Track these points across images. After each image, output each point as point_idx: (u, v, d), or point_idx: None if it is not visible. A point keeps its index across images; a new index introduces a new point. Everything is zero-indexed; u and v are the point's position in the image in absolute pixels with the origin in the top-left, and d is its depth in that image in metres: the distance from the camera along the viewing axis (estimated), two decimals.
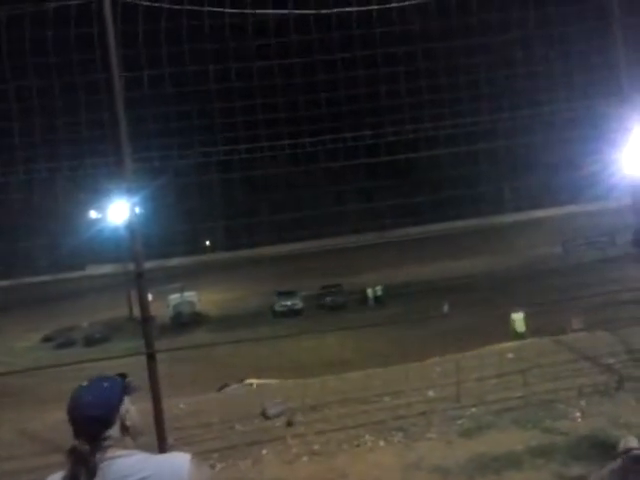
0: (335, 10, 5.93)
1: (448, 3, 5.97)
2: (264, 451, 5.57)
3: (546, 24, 6.05)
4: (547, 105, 6.32)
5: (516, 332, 20.40)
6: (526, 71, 6.30)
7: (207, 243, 45.62)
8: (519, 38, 6.14)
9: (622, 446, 2.29)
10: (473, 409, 5.92)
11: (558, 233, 43.03)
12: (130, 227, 5.39)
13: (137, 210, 5.52)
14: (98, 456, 1.75)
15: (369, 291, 37.01)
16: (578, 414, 5.50)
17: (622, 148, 5.61)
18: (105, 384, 1.91)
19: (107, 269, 44.47)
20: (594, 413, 5.43)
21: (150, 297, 6.72)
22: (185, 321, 38.34)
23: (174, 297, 40.30)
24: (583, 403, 5.71)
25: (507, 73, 6.44)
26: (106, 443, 1.79)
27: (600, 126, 6.27)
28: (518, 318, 20.89)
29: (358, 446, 5.13)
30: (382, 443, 5.08)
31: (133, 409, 1.91)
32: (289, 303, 37.39)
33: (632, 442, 2.23)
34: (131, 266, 5.58)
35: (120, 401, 1.88)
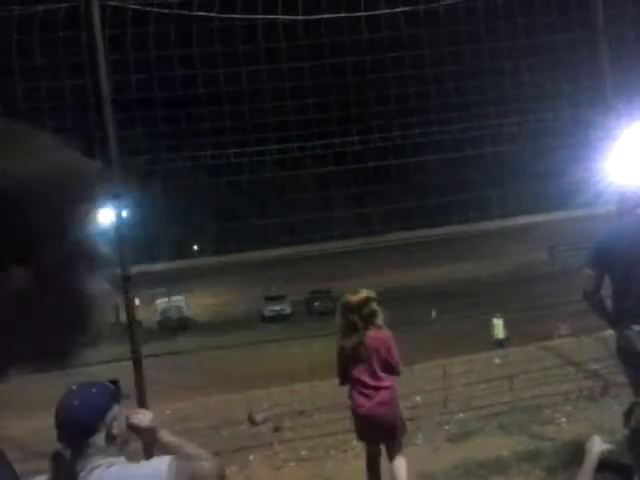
0: (325, 16, 5.96)
1: (437, 12, 6.02)
2: (251, 457, 5.55)
3: (533, 34, 6.11)
4: (534, 113, 6.38)
5: (496, 338, 20.54)
6: (513, 80, 6.36)
7: (195, 247, 45.45)
8: (506, 47, 6.19)
9: (588, 449, 2.31)
10: (460, 415, 5.94)
11: (545, 239, 43.36)
12: (117, 231, 5.36)
13: (124, 213, 5.50)
14: (79, 464, 1.73)
15: None
16: (564, 419, 5.54)
17: (608, 156, 5.67)
18: (94, 390, 1.89)
19: None
20: (579, 418, 5.47)
21: (137, 301, 6.69)
22: (172, 326, 38.16)
23: (161, 301, 40.12)
24: (569, 408, 5.75)
25: (495, 81, 6.50)
26: (89, 451, 1.77)
27: (586, 134, 6.34)
28: (498, 324, 21.02)
29: (346, 451, 5.13)
30: None
31: (121, 417, 1.89)
32: (277, 308, 37.39)
33: (597, 445, 2.25)
34: (118, 270, 5.55)
35: (108, 408, 1.86)
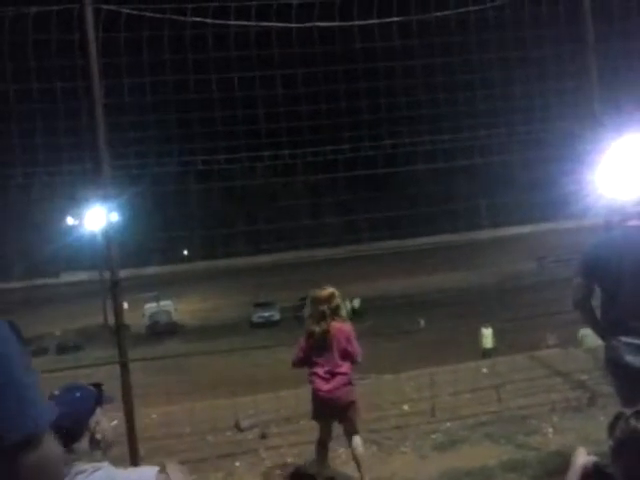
0: (318, 24, 5.99)
1: (429, 23, 6.07)
2: (237, 463, 5.53)
3: (523, 46, 6.18)
4: (523, 125, 6.44)
5: (484, 348, 20.63)
6: (503, 91, 6.42)
7: (185, 252, 45.35)
8: (496, 59, 6.26)
9: (573, 461, 2.32)
10: (447, 423, 5.96)
11: (533, 250, 43.65)
12: (106, 234, 5.35)
13: (114, 218, 5.48)
14: (64, 470, 1.72)
15: (347, 303, 37.01)
16: (550, 429, 5.57)
17: (596, 169, 5.74)
18: (77, 394, 1.87)
19: (82, 276, 43.91)
20: (565, 429, 5.50)
21: (125, 306, 6.66)
22: (161, 330, 37.98)
23: (150, 306, 39.90)
24: (555, 419, 5.78)
25: (485, 93, 6.56)
26: (73, 456, 1.76)
27: (574, 147, 6.41)
28: (487, 334, 21.12)
29: (334, 459, 5.12)
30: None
31: (104, 421, 1.88)
32: (266, 314, 37.34)
33: (581, 457, 2.26)
34: (107, 274, 5.53)
35: (91, 413, 1.85)
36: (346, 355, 4.56)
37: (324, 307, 4.63)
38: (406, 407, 6.52)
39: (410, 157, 6.74)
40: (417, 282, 41.28)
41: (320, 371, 4.58)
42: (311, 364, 4.65)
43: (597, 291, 3.79)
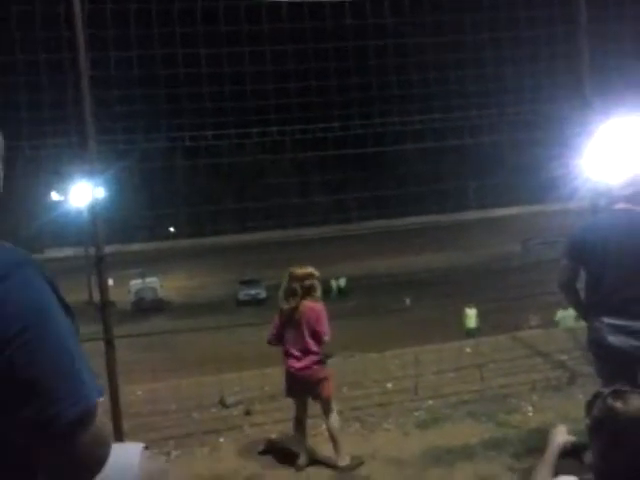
0: (308, 0, 5.91)
1: (421, 1, 6.02)
2: (221, 439, 5.58)
3: (515, 27, 6.15)
4: (513, 106, 6.43)
5: (467, 327, 20.88)
6: (495, 71, 6.40)
7: (171, 229, 45.09)
8: (488, 39, 6.22)
9: (551, 439, 2.35)
10: (430, 402, 6.03)
11: (519, 232, 43.96)
12: (92, 210, 5.30)
13: (100, 193, 5.43)
14: None
15: (332, 282, 37.12)
16: (530, 408, 5.66)
17: (584, 152, 5.76)
18: None
19: (67, 252, 43.62)
20: (545, 407, 5.60)
21: (111, 282, 6.63)
22: (146, 307, 37.89)
23: (135, 283, 39.76)
24: (535, 397, 5.88)
25: (476, 72, 6.53)
26: None
27: (563, 129, 6.42)
28: (470, 314, 21.35)
29: (315, 436, 5.18)
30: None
31: None
32: (253, 292, 37.38)
33: (560, 436, 2.30)
34: (92, 250, 5.49)
35: None
36: (315, 334, 4.63)
37: (296, 285, 4.69)
38: (390, 385, 6.59)
39: (399, 136, 6.72)
40: (404, 262, 41.49)
41: (292, 349, 4.69)
42: (284, 342, 4.75)
43: (582, 273, 3.83)
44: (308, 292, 4.70)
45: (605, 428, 1.97)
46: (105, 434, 1.13)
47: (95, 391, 1.08)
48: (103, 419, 1.11)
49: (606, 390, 2.03)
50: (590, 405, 2.07)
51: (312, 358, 4.64)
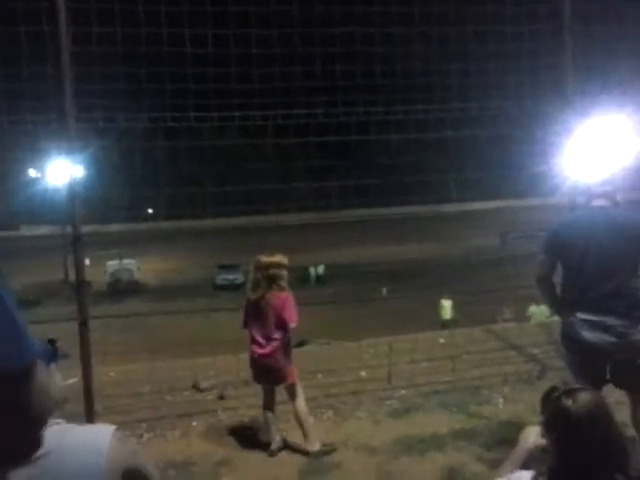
0: None
1: None
2: (194, 423, 5.58)
3: (501, 21, 6.16)
4: (496, 100, 6.46)
5: (443, 319, 21.11)
6: (479, 65, 6.41)
7: (150, 211, 44.60)
8: (473, 32, 6.23)
9: (523, 439, 2.38)
10: (403, 391, 6.09)
11: (498, 225, 44.35)
12: (70, 188, 5.22)
13: (78, 172, 5.34)
14: None
15: (311, 270, 37.15)
16: (501, 400, 5.75)
17: (564, 150, 5.82)
18: None
19: (43, 230, 42.96)
20: (516, 399, 5.69)
21: (87, 262, 6.55)
22: (122, 289, 37.57)
23: (112, 263, 39.39)
24: (506, 390, 5.97)
25: (460, 66, 6.54)
26: None
27: (544, 126, 6.47)
28: (446, 305, 21.57)
29: (288, 422, 5.20)
30: (312, 420, 5.16)
31: (58, 376, 1.86)
32: (230, 277, 37.25)
33: (532, 437, 2.33)
34: (69, 229, 5.42)
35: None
36: (281, 323, 4.66)
37: (259, 275, 4.72)
38: (363, 373, 6.63)
39: (383, 126, 6.71)
40: (384, 251, 41.62)
41: (256, 336, 4.75)
42: (249, 328, 4.83)
43: (559, 268, 3.88)
44: (274, 281, 4.70)
45: (557, 426, 2.01)
46: (49, 389, 1.38)
47: (38, 350, 1.34)
48: (55, 380, 1.41)
49: (560, 388, 2.07)
50: (543, 402, 2.11)
51: (274, 345, 4.69)
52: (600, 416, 1.96)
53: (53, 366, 1.83)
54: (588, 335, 3.60)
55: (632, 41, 6.51)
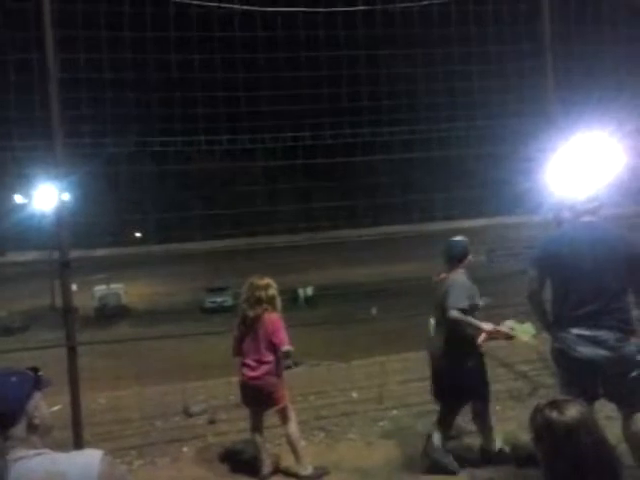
0: (281, 9, 5.94)
1: (392, 14, 6.10)
2: (184, 448, 5.51)
3: (484, 42, 6.28)
4: (481, 120, 6.55)
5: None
6: (464, 85, 6.51)
7: (138, 235, 44.42)
8: (458, 53, 6.34)
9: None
10: (394, 411, 6.06)
11: (484, 243, 44.57)
12: (57, 214, 5.21)
13: (65, 197, 5.34)
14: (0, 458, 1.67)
15: (300, 291, 37.05)
16: (492, 418, 5.72)
17: (548, 167, 5.90)
18: (13, 379, 1.81)
19: (30, 256, 42.57)
20: (507, 418, 5.67)
21: (74, 287, 6.50)
22: (110, 313, 37.24)
23: (99, 288, 39.09)
24: (498, 407, 5.95)
25: (445, 86, 6.64)
26: (8, 443, 1.71)
27: (528, 145, 6.56)
28: (433, 323, 21.48)
29: (280, 445, 5.15)
30: (304, 443, 5.12)
31: (43, 406, 1.83)
32: (219, 299, 37.05)
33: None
34: (56, 254, 5.39)
35: (28, 397, 1.79)
36: (271, 345, 4.67)
37: (262, 293, 4.75)
38: (355, 394, 6.60)
39: (369, 147, 6.77)
40: (373, 271, 41.64)
41: (247, 359, 4.74)
42: (240, 352, 4.81)
43: (548, 284, 3.91)
44: (271, 301, 4.75)
45: (545, 439, 2.03)
46: None
47: None
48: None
49: (542, 402, 2.09)
50: (532, 418, 2.13)
51: (265, 368, 4.67)
52: (585, 426, 1.97)
53: (38, 394, 1.81)
54: (583, 350, 3.62)
55: (611, 60, 6.66)
